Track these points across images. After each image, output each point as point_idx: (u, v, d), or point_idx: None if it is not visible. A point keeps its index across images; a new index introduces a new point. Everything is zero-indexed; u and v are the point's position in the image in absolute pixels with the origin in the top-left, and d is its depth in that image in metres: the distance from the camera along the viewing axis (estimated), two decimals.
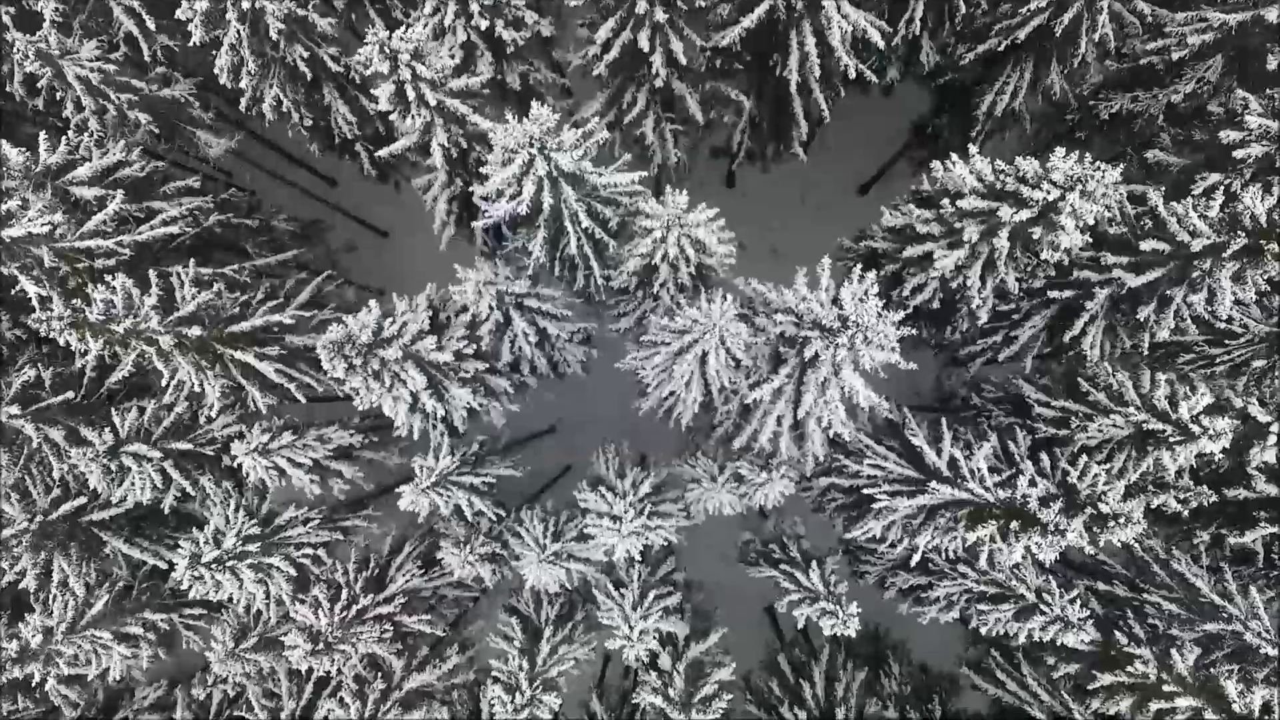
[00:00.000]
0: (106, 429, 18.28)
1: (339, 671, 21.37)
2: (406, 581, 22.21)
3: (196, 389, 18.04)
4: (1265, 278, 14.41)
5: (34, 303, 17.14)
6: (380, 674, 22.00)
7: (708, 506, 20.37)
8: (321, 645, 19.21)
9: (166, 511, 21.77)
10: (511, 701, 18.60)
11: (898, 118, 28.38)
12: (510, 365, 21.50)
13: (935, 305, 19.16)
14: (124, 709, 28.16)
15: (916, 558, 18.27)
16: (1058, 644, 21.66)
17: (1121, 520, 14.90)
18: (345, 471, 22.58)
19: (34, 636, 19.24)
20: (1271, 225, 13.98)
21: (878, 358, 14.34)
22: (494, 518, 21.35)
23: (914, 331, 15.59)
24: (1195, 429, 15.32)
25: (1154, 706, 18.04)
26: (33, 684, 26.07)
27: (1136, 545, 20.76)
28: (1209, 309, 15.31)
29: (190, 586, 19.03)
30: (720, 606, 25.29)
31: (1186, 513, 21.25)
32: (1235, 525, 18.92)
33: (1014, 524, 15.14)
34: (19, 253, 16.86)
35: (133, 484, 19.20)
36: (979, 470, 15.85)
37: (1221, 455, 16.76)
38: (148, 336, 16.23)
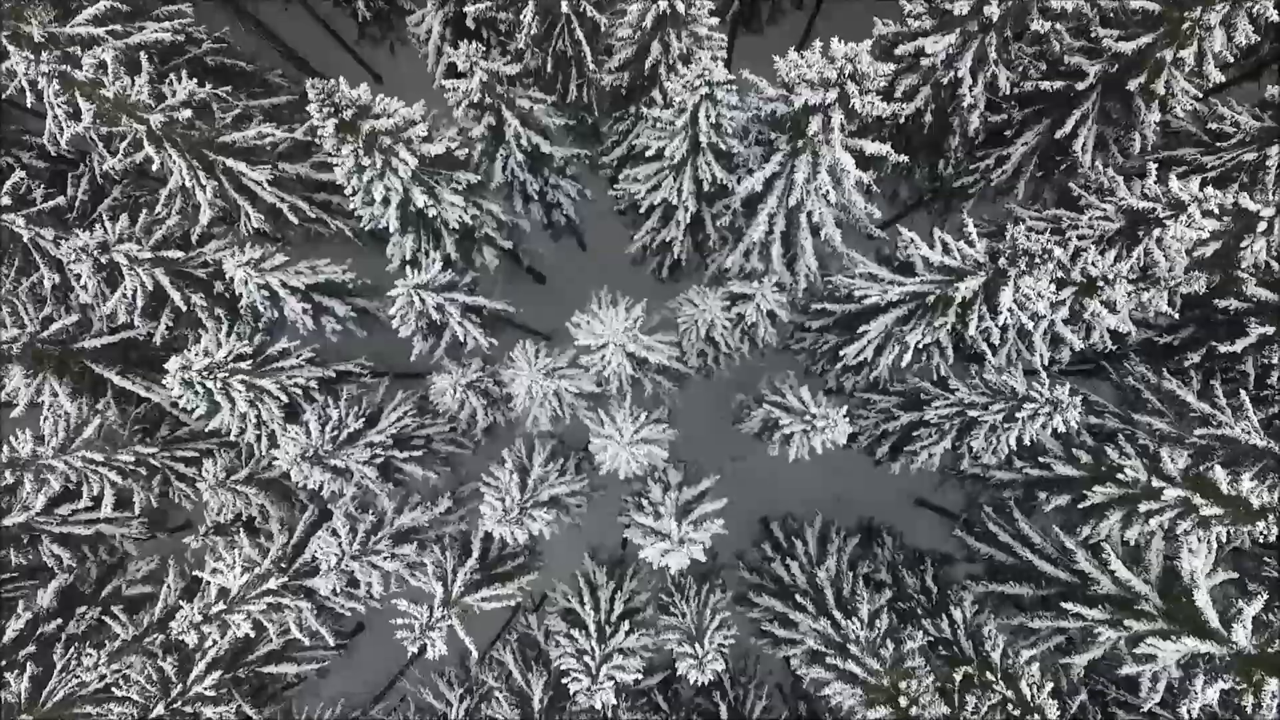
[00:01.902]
0: (98, 228, 18.25)
1: (330, 494, 21.36)
2: (399, 421, 22.18)
3: (188, 187, 18.01)
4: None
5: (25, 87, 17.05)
6: (370, 511, 21.96)
7: (700, 327, 20.32)
8: (312, 456, 19.15)
9: (158, 343, 21.78)
10: (501, 509, 18.54)
11: None
12: (504, 193, 21.55)
13: (927, 117, 19.20)
14: (117, 579, 28.14)
15: (908, 356, 18.22)
16: (1048, 477, 21.95)
17: (1111, 279, 14.91)
18: (338, 309, 22.58)
19: (24, 447, 19.16)
20: None
21: (873, 107, 14.24)
22: (487, 345, 21.33)
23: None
24: (1185, 196, 15.36)
25: (1143, 508, 18.06)
26: (24, 542, 26.26)
27: (1129, 368, 20.81)
28: (1200, 79, 15.32)
29: (181, 397, 18.97)
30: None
31: (1176, 341, 21.37)
32: (1227, 339, 18.94)
33: (1002, 286, 15.05)
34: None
35: (125, 294, 19.16)
36: (971, 239, 15.82)
37: (1209, 238, 16.77)
38: (138, 113, 16.22)
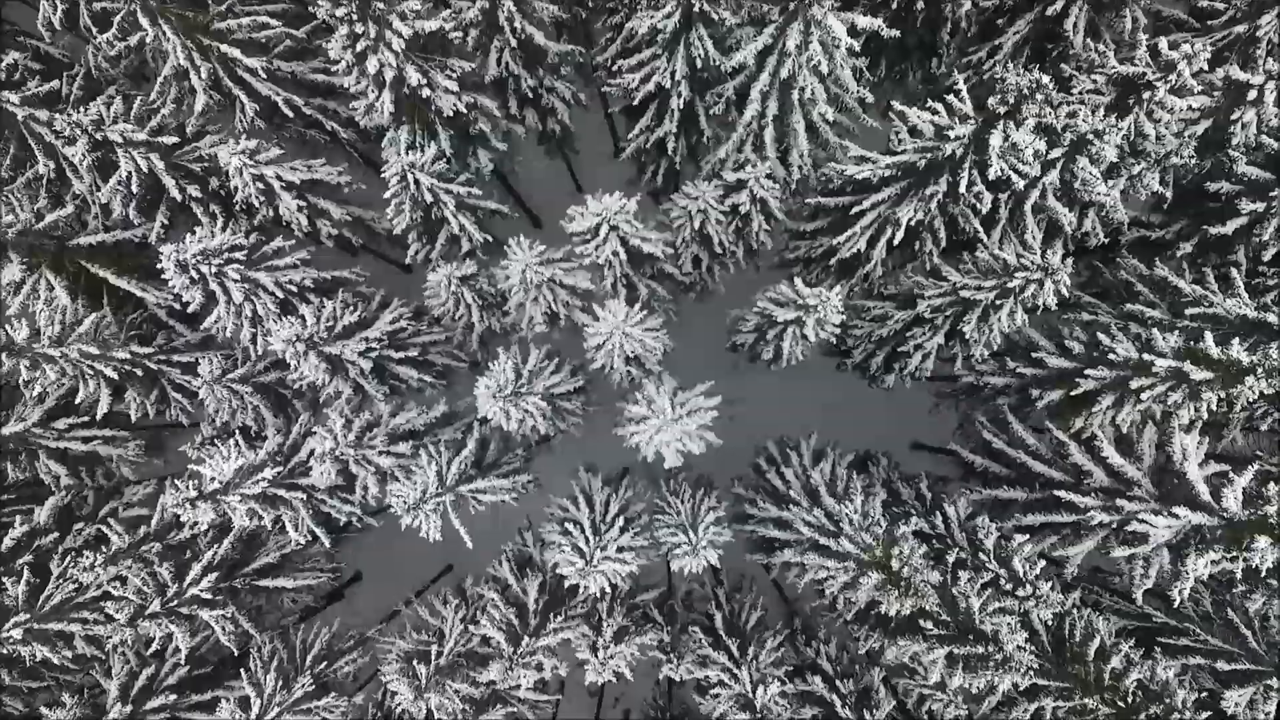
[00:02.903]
0: (92, 106, 18.29)
1: (326, 398, 21.42)
2: (394, 322, 22.24)
3: (183, 68, 18.06)
4: None
5: None
6: (367, 412, 22.00)
7: (694, 219, 20.36)
8: (306, 340, 19.21)
9: (153, 241, 21.85)
10: (495, 386, 18.60)
11: None
12: (496, 86, 21.58)
13: (919, 5, 19.25)
14: (114, 502, 28.19)
15: (900, 234, 18.27)
16: (1041, 375, 22.01)
17: (1103, 130, 14.97)
18: (334, 212, 22.66)
19: (20, 333, 19.20)
20: None
21: None
22: (481, 241, 21.40)
23: None
24: (1174, 55, 15.42)
25: (1134, 385, 18.12)
26: (21, 457, 26.34)
27: (1121, 261, 20.88)
28: None
29: (170, 279, 19.01)
30: None
31: (1168, 235, 21.45)
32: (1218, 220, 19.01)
33: (991, 132, 15.05)
34: None
35: (120, 181, 19.22)
36: (961, 94, 15.86)
37: (1199, 115, 16.85)
38: None
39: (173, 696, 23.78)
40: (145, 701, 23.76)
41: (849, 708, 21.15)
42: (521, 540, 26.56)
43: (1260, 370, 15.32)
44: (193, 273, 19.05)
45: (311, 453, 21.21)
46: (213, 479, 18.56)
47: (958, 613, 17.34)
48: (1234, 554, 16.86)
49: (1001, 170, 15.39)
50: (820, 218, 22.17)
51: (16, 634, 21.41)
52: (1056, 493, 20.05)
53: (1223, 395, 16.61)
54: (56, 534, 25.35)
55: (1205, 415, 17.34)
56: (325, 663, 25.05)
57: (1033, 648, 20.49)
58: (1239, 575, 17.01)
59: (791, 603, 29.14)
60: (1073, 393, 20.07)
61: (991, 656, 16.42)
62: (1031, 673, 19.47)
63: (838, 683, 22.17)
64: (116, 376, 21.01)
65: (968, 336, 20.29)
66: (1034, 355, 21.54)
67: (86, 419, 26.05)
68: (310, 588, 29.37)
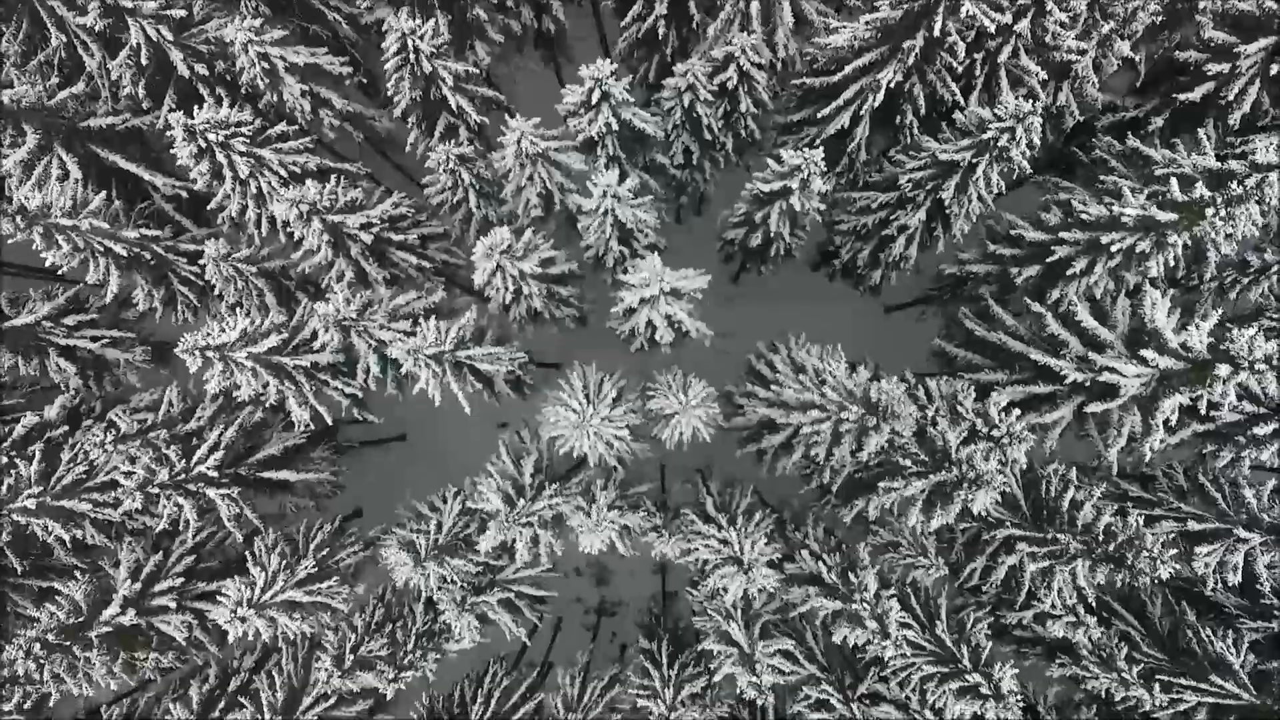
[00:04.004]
0: None
1: (327, 283, 22.16)
2: (395, 208, 22.95)
3: None
4: None
5: None
6: (369, 291, 22.70)
7: (683, 100, 21.07)
8: (309, 207, 19.92)
9: (159, 127, 22.58)
10: (490, 243, 19.31)
11: None
12: None
13: None
14: (120, 408, 28.90)
15: (880, 98, 19.02)
16: (1020, 254, 22.77)
17: None
18: (335, 102, 23.38)
19: (30, 200, 19.91)
20: None
21: None
22: (476, 124, 22.14)
23: None
24: None
25: (1105, 240, 18.84)
26: (31, 353, 27.04)
27: (1095, 142, 21.65)
28: None
29: (178, 151, 19.75)
30: None
31: (1141, 114, 22.22)
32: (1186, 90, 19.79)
33: None
34: None
35: (129, 56, 19.94)
36: None
37: None
38: None
39: (180, 580, 24.48)
40: (153, 584, 24.47)
41: (835, 574, 21.88)
42: (519, 438, 27.34)
43: (1220, 201, 16.07)
44: (200, 141, 19.79)
45: (314, 333, 21.99)
46: (222, 331, 19.28)
47: (934, 451, 18.09)
48: (1199, 391, 17.62)
49: (972, 12, 16.14)
50: (806, 106, 22.91)
51: (30, 504, 22.11)
52: (1033, 355, 20.81)
53: (1188, 240, 17.35)
54: (66, 428, 26.07)
55: (1173, 262, 18.06)
56: (327, 550, 25.77)
57: (1010, 512, 21.37)
58: (1204, 412, 17.73)
59: (780, 502, 29.85)
60: (1048, 259, 20.85)
61: (965, 477, 17.15)
62: (1008, 524, 20.28)
63: (824, 556, 22.89)
64: (126, 255, 21.70)
65: (948, 209, 21.03)
66: (1013, 234, 22.34)
67: (95, 317, 26.89)
68: (313, 491, 30.13)
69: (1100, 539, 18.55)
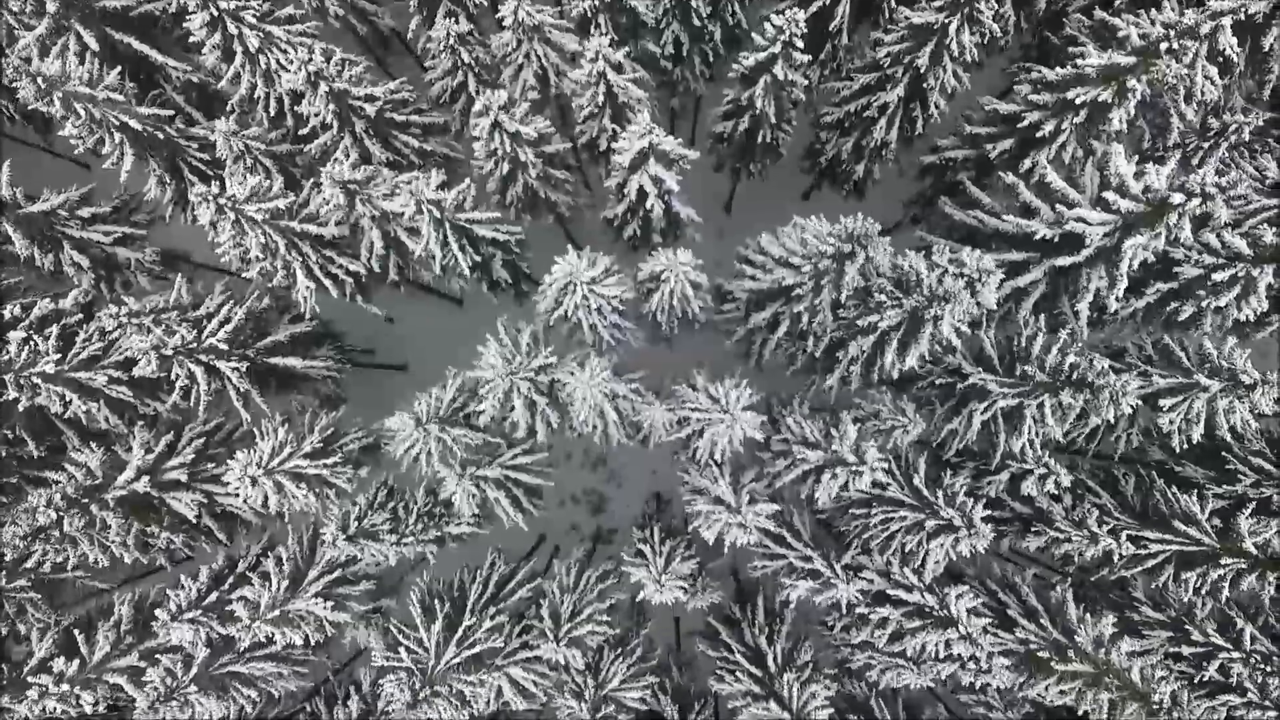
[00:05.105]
0: None
1: (331, 148, 23.14)
2: (398, 90, 23.98)
3: None
4: None
5: None
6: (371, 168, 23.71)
7: None
8: (314, 72, 20.92)
9: (173, 10, 23.62)
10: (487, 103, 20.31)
11: None
12: None
13: None
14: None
15: None
16: (995, 132, 23.80)
17: None
18: None
19: (52, 67, 20.90)
20: None
21: None
22: (475, 8, 23.18)
23: None
24: None
25: (1070, 95, 19.90)
26: (46, 243, 28.01)
27: (1066, 20, 22.66)
28: None
29: (190, 24, 20.78)
30: None
31: None
32: None
33: None
34: None
35: None
36: None
37: None
38: None
39: (191, 456, 25.49)
40: (164, 461, 25.47)
41: (818, 433, 22.88)
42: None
43: (1173, 34, 17.14)
44: (212, 9, 20.83)
45: (319, 210, 23.04)
46: (233, 188, 20.31)
47: (907, 283, 19.17)
48: (1157, 231, 18.69)
49: None
50: None
51: (49, 368, 23.10)
52: (1005, 224, 21.85)
53: (1150, 79, 18.41)
54: (81, 316, 27.08)
55: (1131, 112, 19.13)
56: (332, 431, 26.77)
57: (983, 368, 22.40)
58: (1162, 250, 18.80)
59: (769, 393, 30.78)
60: (1020, 126, 21.93)
61: (935, 295, 18.19)
62: (981, 370, 21.34)
63: (805, 422, 23.92)
64: (141, 130, 22.72)
65: (925, 81, 22.09)
66: (987, 111, 23.43)
67: (108, 210, 27.93)
68: (318, 391, 31.18)
69: (1067, 377, 19.61)
